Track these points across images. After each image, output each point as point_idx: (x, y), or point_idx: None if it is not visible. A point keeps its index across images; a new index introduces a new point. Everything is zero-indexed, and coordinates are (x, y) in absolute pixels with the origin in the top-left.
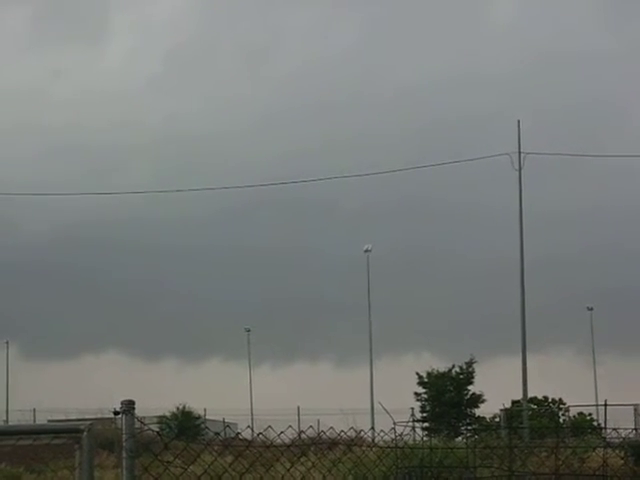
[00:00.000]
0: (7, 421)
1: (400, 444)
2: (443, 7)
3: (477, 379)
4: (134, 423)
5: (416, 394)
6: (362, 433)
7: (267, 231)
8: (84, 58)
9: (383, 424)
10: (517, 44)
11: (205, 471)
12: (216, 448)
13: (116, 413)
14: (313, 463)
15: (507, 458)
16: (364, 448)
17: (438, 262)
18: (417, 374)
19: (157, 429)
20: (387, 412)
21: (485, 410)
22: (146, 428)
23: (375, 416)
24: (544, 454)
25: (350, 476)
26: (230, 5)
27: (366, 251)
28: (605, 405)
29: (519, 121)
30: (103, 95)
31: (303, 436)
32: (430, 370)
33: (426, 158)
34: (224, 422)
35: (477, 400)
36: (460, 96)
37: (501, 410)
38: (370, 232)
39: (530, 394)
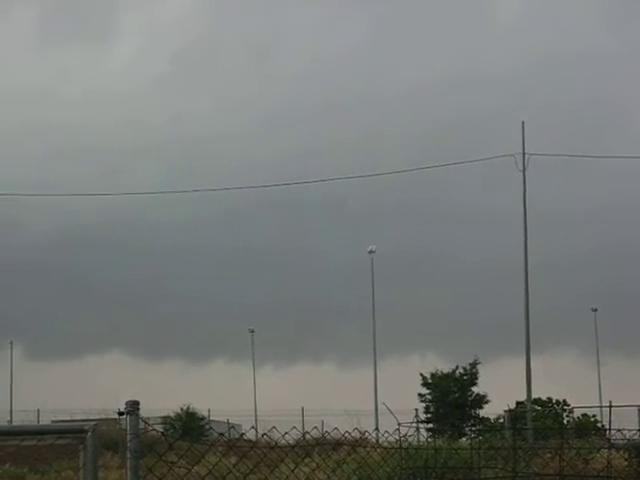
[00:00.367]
0: (11, 421)
1: (404, 445)
2: (447, 7)
3: (481, 380)
4: (138, 424)
5: (420, 395)
6: (366, 434)
7: (271, 232)
8: (91, 58)
9: (387, 425)
10: (521, 44)
11: (209, 472)
12: (220, 449)
13: (120, 414)
14: (317, 464)
15: (511, 459)
16: (368, 449)
17: (442, 263)
18: (421, 375)
19: (161, 430)
20: (391, 413)
21: (489, 411)
22: (150, 429)
23: (379, 417)
24: (548, 455)
25: (354, 477)
26: (237, 5)
27: (370, 252)
28: (610, 406)
29: (523, 122)
30: (110, 95)
31: (307, 437)
32: (434, 371)
33: (430, 159)
34: (228, 423)
35: (481, 401)
36: (464, 96)
37: (505, 411)
38: (374, 233)
39: (534, 395)
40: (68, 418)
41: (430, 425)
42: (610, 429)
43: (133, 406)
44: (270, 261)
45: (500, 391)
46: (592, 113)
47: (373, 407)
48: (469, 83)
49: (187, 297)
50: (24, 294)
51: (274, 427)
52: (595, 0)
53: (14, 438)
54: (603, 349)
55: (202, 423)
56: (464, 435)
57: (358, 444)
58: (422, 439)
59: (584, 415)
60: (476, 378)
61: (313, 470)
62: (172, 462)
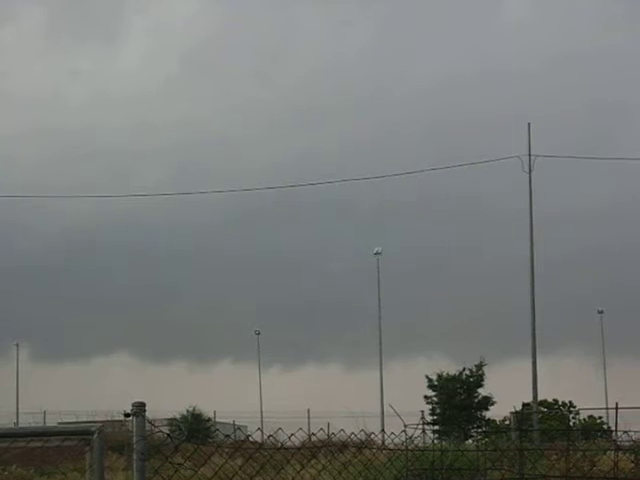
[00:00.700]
0: (17, 423)
1: (410, 447)
2: (454, 7)
3: (487, 382)
4: (145, 425)
5: (426, 397)
6: (372, 436)
7: (278, 234)
8: (99, 60)
9: (393, 427)
10: (527, 44)
11: (215, 473)
12: (226, 450)
13: (127, 415)
14: (323, 465)
15: (517, 461)
16: (374, 451)
17: (450, 264)
18: (427, 377)
19: (167, 431)
20: (397, 414)
21: (495, 413)
22: (157, 430)
23: (385, 419)
24: (554, 457)
25: (360, 478)
26: (245, 8)
27: (376, 254)
28: (616, 408)
29: (529, 124)
30: (118, 98)
31: (313, 438)
32: (440, 373)
33: (438, 159)
34: (234, 424)
35: (487, 403)
36: (471, 96)
37: (511, 413)
38: (381, 234)
39: (540, 397)
40: (74, 420)
41: (436, 427)
42: (616, 431)
43: (139, 408)
44: (277, 263)
45: (506, 393)
46: (598, 114)
47: (379, 409)
48: (476, 83)
49: (193, 299)
50: (31, 297)
51: (280, 429)
52: (601, 0)
53: (21, 440)
54: (609, 350)
55: (208, 425)
56: (470, 437)
57: (364, 446)
58: (428, 441)
59: (590, 417)
60: (482, 380)
61: (319, 472)
62: (178, 464)
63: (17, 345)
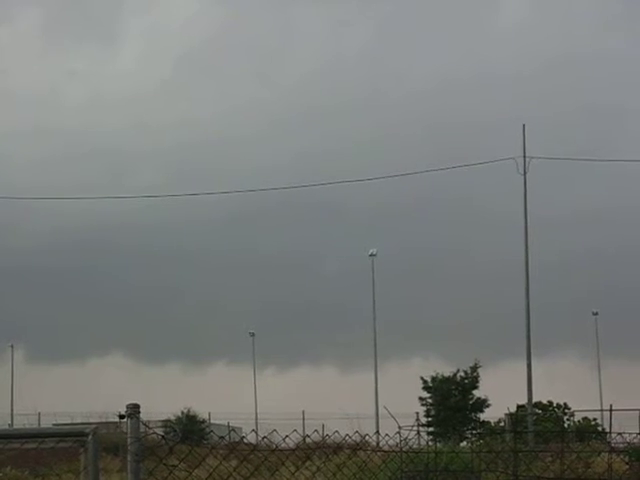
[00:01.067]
0: (12, 425)
1: (405, 448)
2: (452, 10)
3: (482, 383)
4: (139, 427)
5: (421, 399)
6: (367, 437)
7: (274, 235)
8: (97, 61)
9: (388, 428)
10: (524, 47)
11: (210, 475)
12: (221, 452)
13: (121, 417)
14: (318, 467)
15: (512, 463)
16: (369, 452)
17: (445, 265)
18: (422, 379)
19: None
20: (392, 416)
21: (490, 415)
22: (151, 432)
23: (380, 420)
24: (549, 459)
25: None
26: (242, 9)
27: (371, 255)
28: (610, 410)
29: (524, 126)
30: (115, 98)
31: (308, 440)
32: (435, 375)
33: (435, 161)
34: (229, 426)
35: (482, 405)
36: (470, 98)
37: (506, 414)
38: (377, 236)
39: (535, 399)
40: (69, 421)
41: (431, 429)
42: (611, 433)
43: (134, 409)
44: (272, 264)
45: (501, 394)
46: (595, 116)
47: (374, 411)
48: (474, 86)
49: (188, 300)
50: (25, 297)
51: (275, 430)
52: (598, 3)
53: (15, 441)
54: (604, 353)
55: (203, 426)
56: (465, 439)
57: (359, 447)
58: (423, 443)
59: (585, 419)
60: (477, 382)
61: (314, 473)
62: (173, 465)
63: (12, 346)
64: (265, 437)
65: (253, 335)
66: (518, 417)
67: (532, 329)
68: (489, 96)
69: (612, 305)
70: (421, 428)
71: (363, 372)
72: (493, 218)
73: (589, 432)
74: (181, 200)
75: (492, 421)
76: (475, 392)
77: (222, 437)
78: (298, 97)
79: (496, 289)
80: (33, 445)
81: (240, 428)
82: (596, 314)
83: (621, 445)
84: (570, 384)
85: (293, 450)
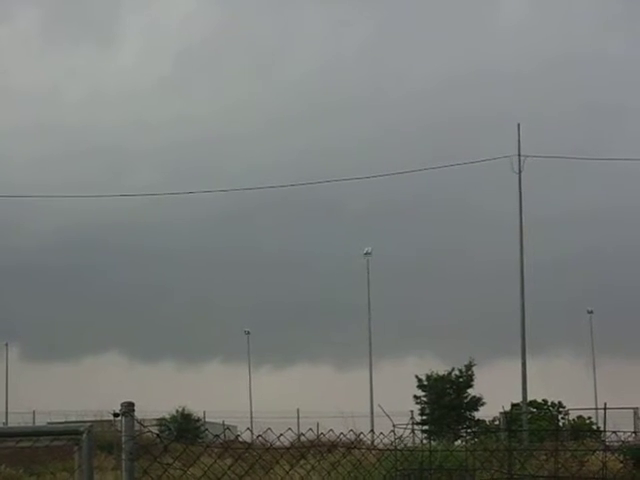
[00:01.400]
0: (6, 423)
1: (399, 447)
2: (451, 9)
3: (477, 382)
4: (134, 425)
5: (415, 397)
6: (361, 436)
7: (270, 234)
8: (95, 59)
9: (383, 427)
10: (522, 46)
11: (204, 473)
12: (216, 450)
13: (116, 415)
14: (312, 466)
15: (506, 461)
16: (363, 451)
17: (440, 264)
18: (416, 377)
19: (157, 431)
20: (387, 415)
21: (484, 413)
22: (146, 430)
23: (375, 419)
24: (543, 457)
25: (349, 479)
26: (241, 7)
27: (366, 254)
28: (605, 408)
29: (519, 125)
30: (113, 96)
31: (303, 438)
32: (430, 373)
33: (438, 160)
34: (224, 424)
35: (477, 403)
36: (469, 97)
37: (500, 413)
38: (373, 234)
39: (530, 397)
40: (63, 420)
41: (426, 427)
42: (605, 431)
43: (128, 407)
44: (267, 263)
45: (496, 393)
46: (594, 116)
47: (369, 409)
48: (473, 85)
49: (183, 298)
50: (20, 296)
51: (269, 429)
52: (598, 2)
53: (10, 440)
54: (599, 351)
55: (197, 425)
56: (459, 437)
57: (353, 446)
58: (417, 441)
59: (579, 417)
60: (471, 380)
61: (308, 472)
62: (167, 464)
63: (6, 345)
64: (260, 435)
65: (248, 333)
66: (513, 416)
67: (527, 328)
68: (489, 95)
69: (607, 304)
70: (416, 426)
71: (358, 371)
72: (490, 217)
73: (584, 430)
74: (178, 198)
75: (487, 420)
76: (470, 390)
77: (217, 435)
78: (297, 95)
79: (491, 288)
80: (28, 443)
81: (235, 426)
82: (591, 312)
83: (615, 443)
84: (565, 383)
85: (288, 448)
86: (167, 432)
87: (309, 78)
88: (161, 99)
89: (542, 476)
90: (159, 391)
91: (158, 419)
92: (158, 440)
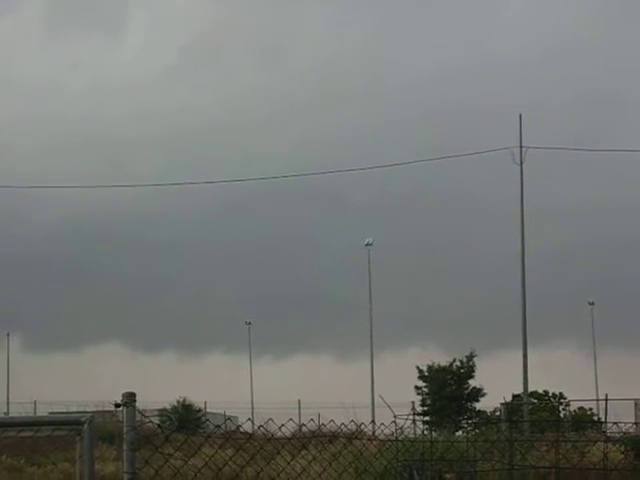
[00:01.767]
0: (8, 413)
1: (400, 437)
2: None
3: (478, 373)
4: (135, 415)
5: (417, 388)
6: (362, 426)
7: (271, 224)
8: (99, 49)
9: (384, 418)
10: (525, 36)
11: (206, 464)
12: (217, 441)
13: (117, 405)
14: (314, 456)
15: (507, 452)
16: (365, 441)
17: (442, 255)
18: (417, 368)
19: (158, 422)
20: (388, 405)
21: (486, 404)
22: (147, 421)
23: (376, 410)
24: (544, 448)
25: (351, 469)
26: None
27: (367, 245)
28: (606, 399)
29: (521, 115)
30: (117, 86)
31: (304, 429)
32: (431, 364)
33: (437, 150)
34: (225, 415)
35: (478, 394)
36: (471, 86)
37: (501, 404)
38: (376, 225)
39: (531, 388)
40: (64, 410)
41: (426, 418)
42: (606, 422)
43: (129, 398)
44: (269, 253)
45: (497, 384)
46: (596, 105)
47: (370, 400)
48: (474, 74)
49: (185, 289)
50: (22, 286)
51: (271, 419)
52: None
53: (11, 429)
54: (600, 342)
55: (198, 415)
56: (460, 428)
57: (354, 436)
58: (418, 432)
59: (580, 408)
60: (473, 371)
61: (309, 462)
62: (168, 454)
63: (8, 335)
64: (261, 426)
65: (249, 324)
66: (514, 407)
67: (528, 319)
68: (491, 85)
69: (608, 295)
70: (417, 417)
71: (359, 362)
72: (492, 208)
73: (585, 422)
74: (181, 189)
75: (488, 411)
76: (471, 381)
77: (218, 426)
78: (300, 85)
79: (493, 279)
80: (29, 433)
81: (236, 417)
82: (592, 304)
83: (616, 434)
84: (566, 374)
85: (289, 439)
86: (168, 423)
87: (312, 68)
88: (165, 89)
89: (543, 467)
90: (160, 382)
91: (159, 410)
92: (159, 430)
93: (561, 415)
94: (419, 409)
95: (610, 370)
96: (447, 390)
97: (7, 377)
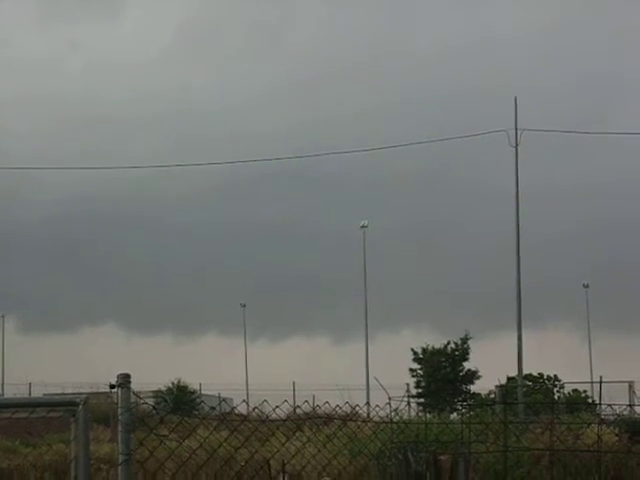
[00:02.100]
0: (2, 394)
1: (395, 419)
2: None
3: (472, 355)
4: (130, 397)
5: (411, 370)
6: (357, 408)
7: (269, 206)
8: (97, 29)
9: (379, 399)
10: (520, 17)
11: (200, 445)
12: (212, 423)
13: (112, 387)
14: (308, 438)
15: (502, 434)
16: (359, 423)
17: (438, 237)
18: (412, 350)
19: (153, 403)
20: (382, 387)
21: (480, 386)
22: (142, 402)
23: (370, 392)
24: (539, 430)
25: (345, 451)
26: None
27: (362, 227)
28: (600, 382)
29: (516, 98)
30: (115, 66)
31: (298, 411)
32: (425, 346)
33: (436, 131)
34: (219, 397)
35: (472, 376)
36: (471, 67)
37: (496, 386)
38: (372, 207)
39: (525, 371)
40: (59, 391)
41: (421, 400)
42: (601, 404)
43: (124, 379)
44: (266, 235)
45: (491, 366)
46: (589, 88)
47: (364, 382)
48: (473, 55)
49: (182, 271)
50: (17, 267)
51: (265, 401)
52: None
53: (5, 411)
54: (595, 325)
55: (193, 397)
56: (455, 410)
57: (349, 418)
58: (413, 414)
59: (575, 390)
60: (467, 353)
61: (304, 444)
62: (163, 435)
63: (3, 316)
64: (256, 408)
65: (244, 306)
66: (508, 389)
67: (523, 301)
68: (490, 65)
69: (604, 277)
70: (411, 399)
71: (354, 344)
72: (489, 190)
73: (579, 404)
74: (178, 170)
75: (482, 393)
76: (465, 364)
77: (213, 408)
78: (298, 65)
79: (489, 261)
80: (24, 414)
81: (231, 399)
82: (587, 286)
83: (611, 417)
84: (561, 356)
85: (284, 421)
86: (163, 404)
87: (310, 47)
88: (163, 69)
89: (537, 449)
90: (156, 363)
91: (154, 391)
92: (154, 412)
93: (556, 397)
94: (414, 391)
95: (605, 353)
96: (442, 372)
97: (2, 358)
